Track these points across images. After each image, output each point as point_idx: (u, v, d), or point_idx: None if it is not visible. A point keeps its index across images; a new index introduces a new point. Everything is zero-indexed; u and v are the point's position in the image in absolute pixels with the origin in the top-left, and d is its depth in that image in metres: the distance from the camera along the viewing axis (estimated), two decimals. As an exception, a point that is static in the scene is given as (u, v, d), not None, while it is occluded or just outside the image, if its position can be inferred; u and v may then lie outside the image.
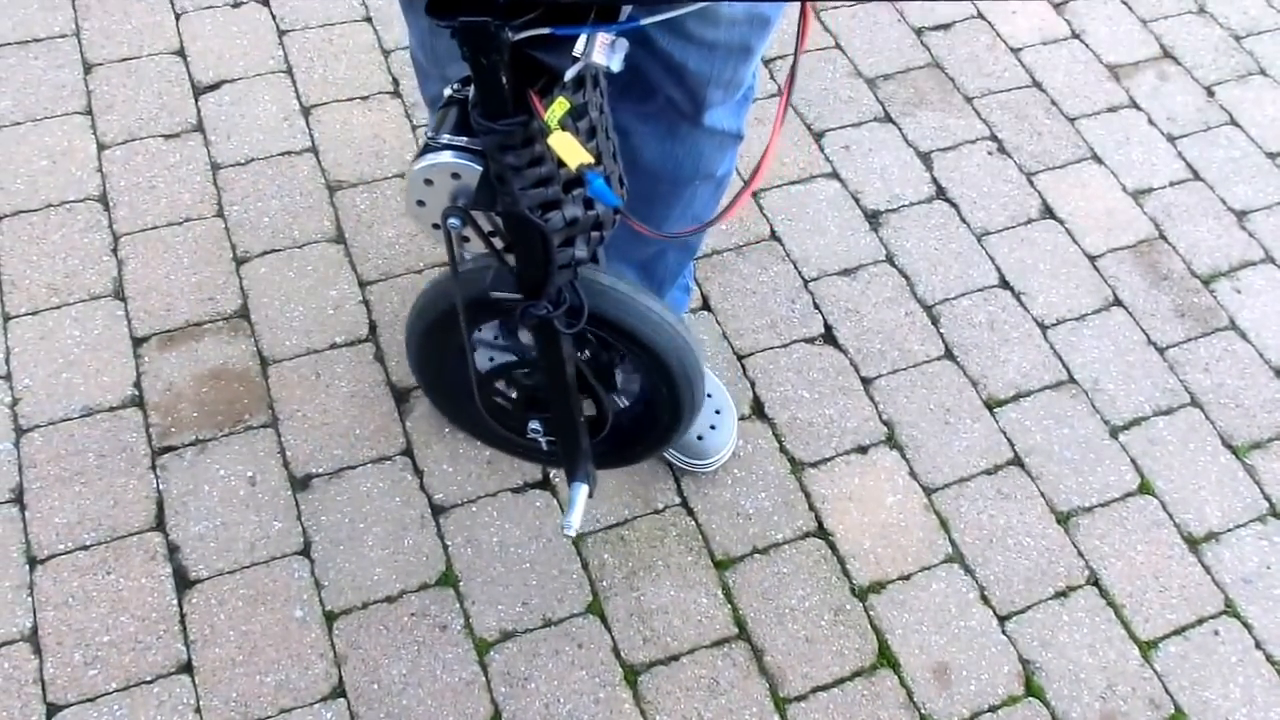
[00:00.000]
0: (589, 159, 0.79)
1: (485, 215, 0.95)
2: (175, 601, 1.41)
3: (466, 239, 0.98)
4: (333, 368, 1.61)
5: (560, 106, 0.81)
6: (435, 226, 0.97)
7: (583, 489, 1.15)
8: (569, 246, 0.95)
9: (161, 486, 1.49)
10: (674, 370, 1.11)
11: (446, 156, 0.90)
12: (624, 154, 1.21)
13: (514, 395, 1.24)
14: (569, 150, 0.79)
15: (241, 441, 1.54)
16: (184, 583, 1.42)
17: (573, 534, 1.12)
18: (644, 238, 1.32)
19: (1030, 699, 1.41)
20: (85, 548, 1.44)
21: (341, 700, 1.35)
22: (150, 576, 1.43)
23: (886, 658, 1.43)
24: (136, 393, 1.57)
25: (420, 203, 0.96)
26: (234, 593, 1.42)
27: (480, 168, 0.89)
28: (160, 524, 1.46)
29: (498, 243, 0.97)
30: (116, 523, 1.46)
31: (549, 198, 0.90)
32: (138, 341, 1.62)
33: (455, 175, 0.91)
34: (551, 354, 1.07)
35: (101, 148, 1.83)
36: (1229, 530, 1.57)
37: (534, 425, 1.21)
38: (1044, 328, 1.74)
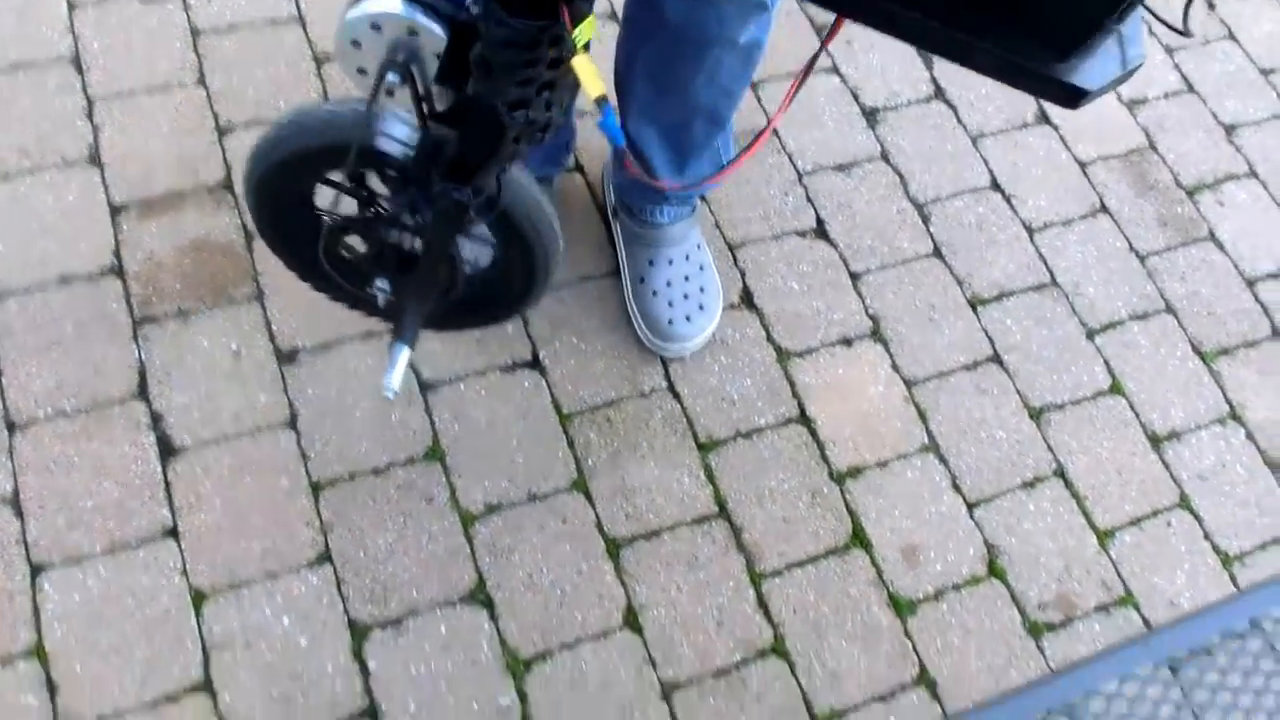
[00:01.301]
0: (604, 90, 0.78)
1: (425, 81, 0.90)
2: (159, 469, 1.42)
3: (390, 93, 0.92)
4: (319, 241, 1.60)
5: (589, 27, 0.79)
6: (360, 71, 0.92)
7: (405, 350, 1.09)
8: (516, 143, 0.93)
9: (143, 356, 1.48)
10: (531, 242, 1.10)
11: (408, 10, 0.85)
12: (650, 11, 1.20)
13: (364, 250, 1.19)
14: (590, 77, 0.77)
15: (225, 314, 1.53)
16: (168, 451, 1.43)
17: (391, 395, 1.05)
18: (670, 101, 1.31)
19: (992, 579, 1.47)
20: (66, 414, 1.44)
21: (328, 566, 1.38)
22: (133, 444, 1.43)
23: (859, 538, 1.48)
24: (115, 262, 1.55)
25: (356, 43, 0.90)
26: (219, 462, 1.43)
27: (444, 36, 0.85)
28: (143, 393, 1.46)
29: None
30: (97, 391, 1.46)
31: (523, 97, 0.87)
32: (116, 210, 1.59)
33: (412, 32, 0.86)
34: (442, 231, 1.04)
35: (72, 7, 1.76)
36: (1190, 430, 1.62)
37: (380, 283, 1.15)
38: (1031, 231, 1.76)
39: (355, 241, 1.19)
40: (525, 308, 1.19)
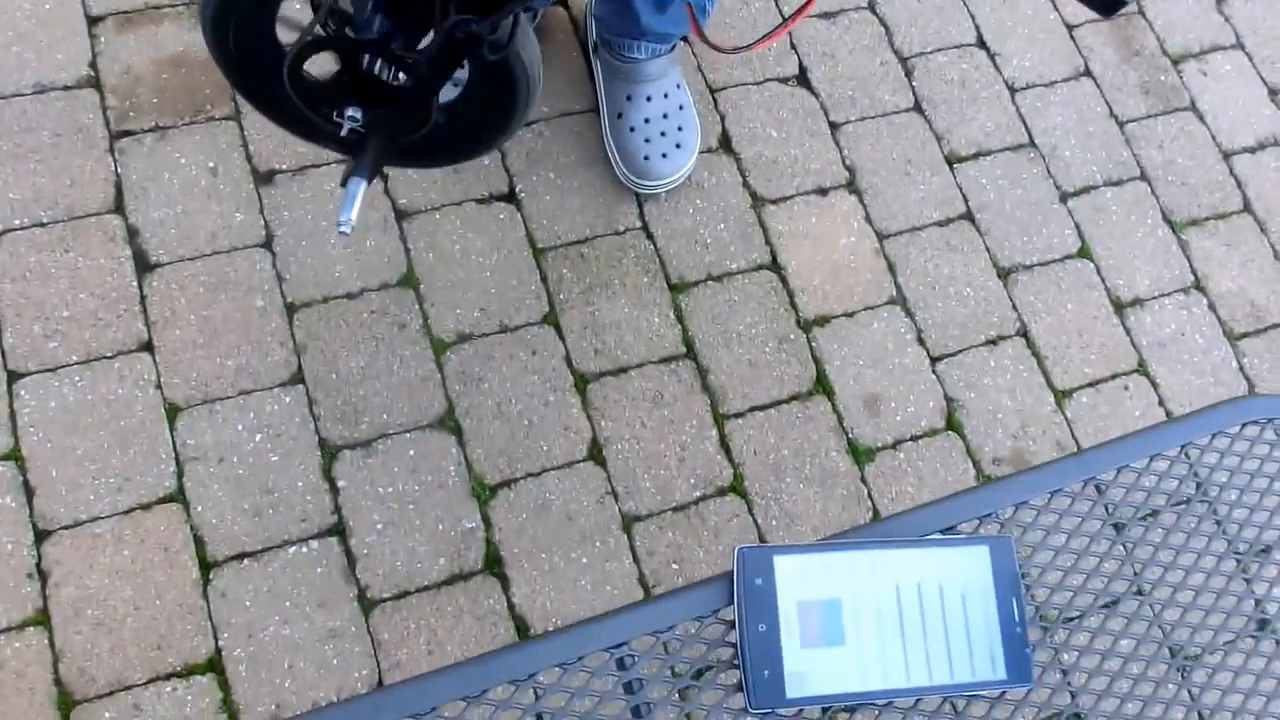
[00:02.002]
0: None
1: None
2: (135, 283, 1.42)
3: None
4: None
5: None
6: None
7: (363, 185, 1.03)
8: None
9: (120, 170, 1.47)
10: (518, 84, 1.04)
11: None
12: None
13: (339, 76, 1.08)
14: None
15: (203, 131, 1.51)
16: (144, 265, 1.43)
17: (349, 230, 0.99)
18: None
19: (949, 432, 1.52)
20: (42, 225, 1.43)
21: (300, 387, 1.40)
22: (109, 257, 1.43)
23: (823, 385, 1.51)
24: (92, 73, 1.52)
25: None
26: (194, 279, 1.44)
27: None
28: (119, 207, 1.46)
29: None
30: (74, 203, 1.45)
31: None
32: (93, 20, 1.55)
33: None
34: (442, 65, 0.98)
35: None
36: (1154, 298, 1.65)
37: (351, 113, 1.06)
38: (1013, 90, 1.75)
39: (327, 67, 1.06)
40: (492, 149, 1.13)
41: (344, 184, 1.01)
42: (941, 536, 0.69)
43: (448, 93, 1.10)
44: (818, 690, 0.64)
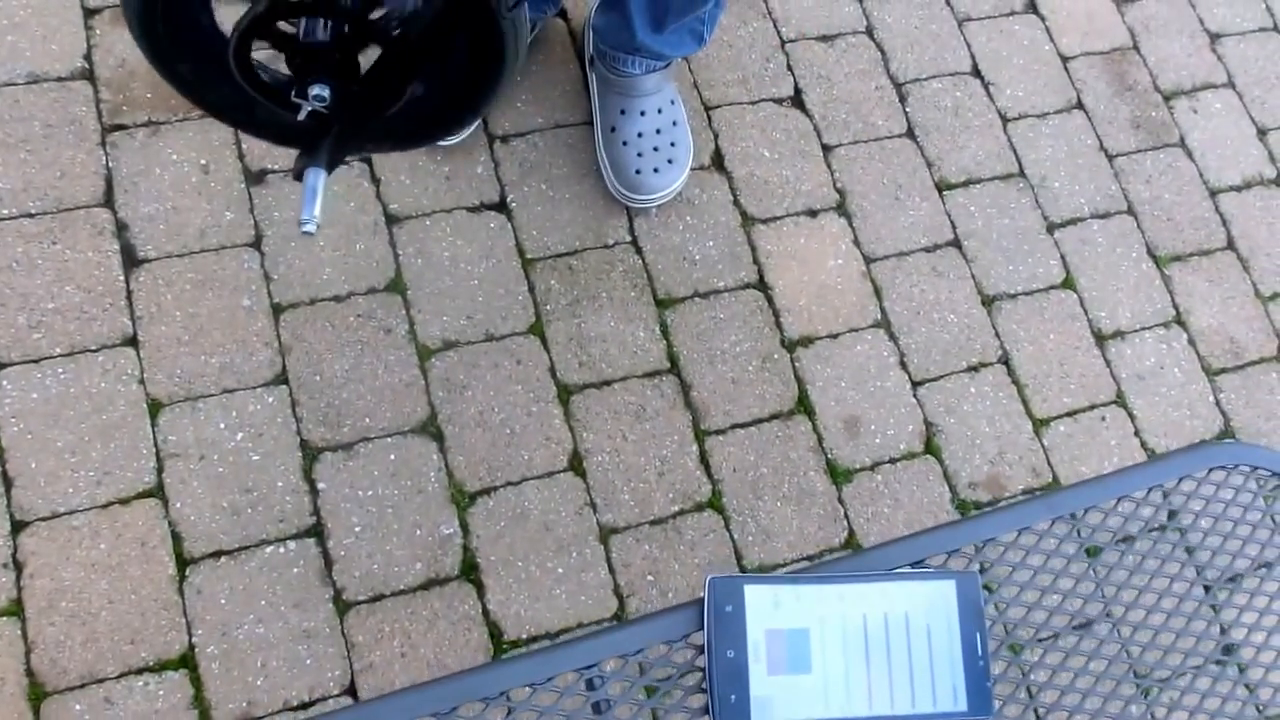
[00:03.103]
0: None
1: None
2: (122, 277, 1.42)
3: None
4: (294, 64, 1.57)
5: None
6: None
7: (323, 175, 0.88)
8: None
9: (111, 164, 1.48)
10: (506, 58, 0.91)
11: None
12: None
13: (302, 48, 0.92)
14: None
15: (196, 129, 1.52)
16: (131, 261, 1.43)
17: (314, 228, 0.86)
18: None
19: (928, 456, 1.53)
20: (30, 215, 1.43)
21: (284, 387, 1.41)
22: (97, 251, 1.43)
23: (804, 406, 1.52)
24: (87, 66, 1.52)
25: None
26: (182, 275, 1.44)
27: None
28: (109, 201, 1.46)
29: None
30: (63, 195, 1.45)
31: None
32: (90, 12, 1.55)
33: None
34: (440, 21, 0.86)
35: None
36: (1135, 331, 1.67)
37: (317, 92, 0.91)
38: (1005, 120, 1.77)
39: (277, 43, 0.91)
40: (460, 130, 1.01)
41: (298, 177, 0.88)
42: (910, 570, 0.70)
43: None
44: (782, 715, 0.64)
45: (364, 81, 0.91)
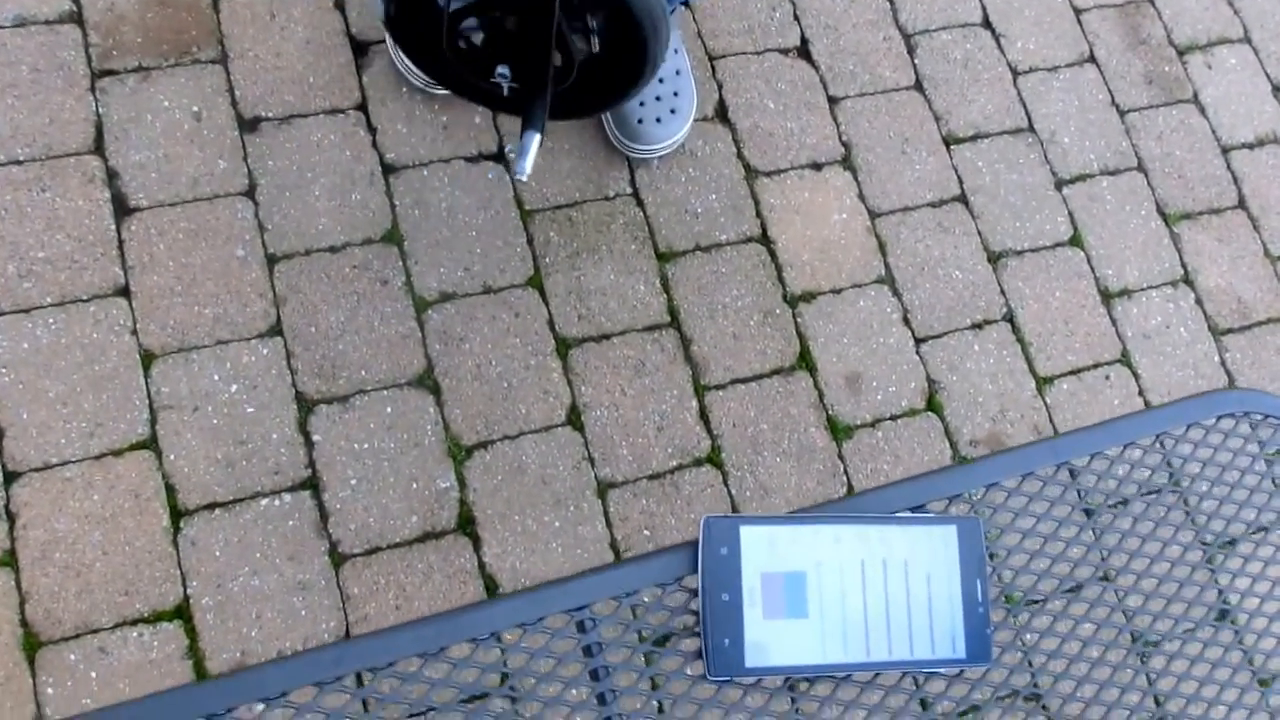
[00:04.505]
0: None
1: None
2: (113, 226, 1.40)
3: None
4: (289, 10, 1.54)
5: None
6: None
7: (536, 136, 1.14)
8: None
9: (101, 110, 1.45)
10: (643, 21, 1.10)
11: None
12: None
13: (484, 36, 1.21)
14: None
15: (188, 74, 1.49)
16: (123, 209, 1.41)
17: (525, 178, 1.13)
18: None
19: (929, 413, 1.51)
20: (19, 162, 1.41)
21: (279, 339, 1.39)
22: (88, 199, 1.41)
23: (806, 361, 1.50)
24: (75, 8, 1.49)
25: None
26: (174, 225, 1.42)
27: None
28: (99, 148, 1.43)
29: None
30: (53, 141, 1.43)
31: None
32: (79, -45, 1.52)
33: None
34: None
35: None
36: (1142, 289, 1.65)
37: (501, 70, 1.19)
38: (1016, 73, 1.74)
39: (475, 29, 1.19)
40: (635, 91, 1.22)
41: (521, 138, 1.15)
42: (910, 515, 0.68)
43: (582, 46, 1.16)
44: (777, 661, 0.63)
45: (533, 62, 1.13)
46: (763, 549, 0.65)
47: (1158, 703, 0.74)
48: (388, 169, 1.49)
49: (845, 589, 0.65)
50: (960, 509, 0.70)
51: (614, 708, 0.59)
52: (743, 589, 0.64)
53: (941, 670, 0.67)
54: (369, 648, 0.60)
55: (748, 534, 0.65)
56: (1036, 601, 0.71)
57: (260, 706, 0.56)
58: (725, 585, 0.63)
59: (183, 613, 1.27)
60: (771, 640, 0.63)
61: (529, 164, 1.13)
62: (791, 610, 0.64)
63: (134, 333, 1.36)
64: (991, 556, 0.70)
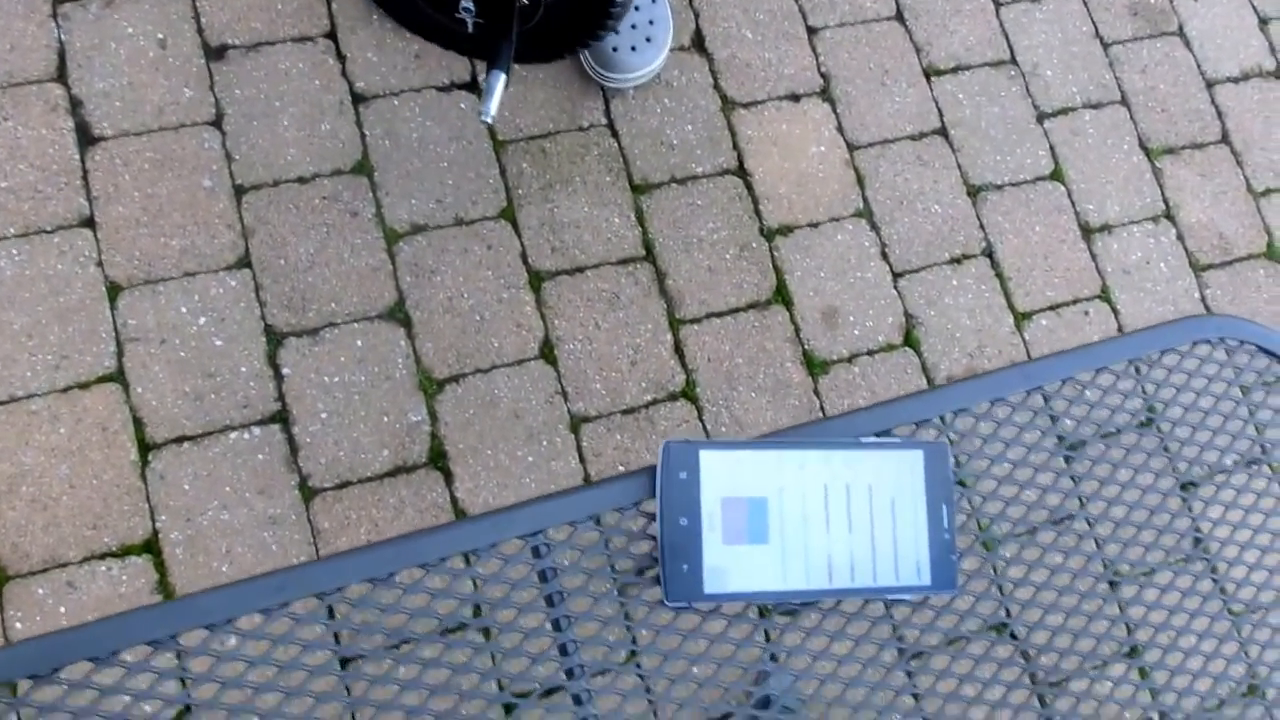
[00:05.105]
0: None
1: None
2: (77, 156, 1.37)
3: None
4: (253, -68, 1.50)
5: None
6: None
7: (501, 76, 1.12)
8: None
9: (64, 37, 1.41)
10: None
11: None
12: None
13: None
14: None
15: (152, 1, 1.44)
16: (87, 138, 1.38)
17: (490, 120, 1.11)
18: None
19: (906, 348, 1.50)
20: (-20, 90, 1.37)
21: (247, 271, 1.37)
22: (51, 128, 1.37)
23: (782, 296, 1.49)
24: (34, -69, 1.44)
25: None
26: (139, 154, 1.38)
27: None
28: (62, 76, 1.39)
29: None
30: (14, 69, 1.39)
31: None
32: (35, -127, 1.47)
33: None
34: None
35: None
36: (1122, 225, 1.63)
37: (465, 3, 1.16)
38: (998, 4, 1.70)
39: None
40: (604, 32, 1.19)
41: (486, 78, 1.15)
42: (876, 439, 0.67)
43: None
44: (737, 587, 0.62)
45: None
46: (723, 474, 0.64)
47: (1129, 630, 0.74)
48: (358, 98, 1.45)
49: (808, 515, 0.64)
50: (929, 435, 0.69)
51: (569, 634, 0.58)
52: (702, 514, 0.63)
53: (906, 597, 0.67)
54: (314, 573, 0.59)
55: (708, 458, 0.64)
56: (1006, 528, 0.71)
57: (233, 640, 0.55)
58: (684, 510, 0.62)
59: (151, 547, 1.26)
60: (731, 566, 0.62)
61: (494, 105, 1.11)
62: (752, 536, 0.63)
63: (99, 264, 1.34)
64: (960, 483, 0.69)
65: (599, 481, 0.62)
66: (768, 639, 0.66)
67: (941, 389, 0.69)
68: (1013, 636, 0.73)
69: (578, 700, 0.59)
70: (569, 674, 0.59)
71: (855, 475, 0.66)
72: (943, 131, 1.61)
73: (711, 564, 0.62)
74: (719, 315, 1.46)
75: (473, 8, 1.15)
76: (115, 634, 0.56)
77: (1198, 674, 0.74)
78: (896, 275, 1.53)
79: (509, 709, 0.62)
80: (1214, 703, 0.73)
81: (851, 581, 0.64)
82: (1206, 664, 0.74)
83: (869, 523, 0.66)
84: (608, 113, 1.51)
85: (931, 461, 0.68)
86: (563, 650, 0.58)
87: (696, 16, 1.59)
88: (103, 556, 1.25)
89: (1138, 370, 0.74)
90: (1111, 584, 0.73)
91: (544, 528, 0.59)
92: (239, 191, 1.39)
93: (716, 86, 1.56)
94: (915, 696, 0.69)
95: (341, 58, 1.46)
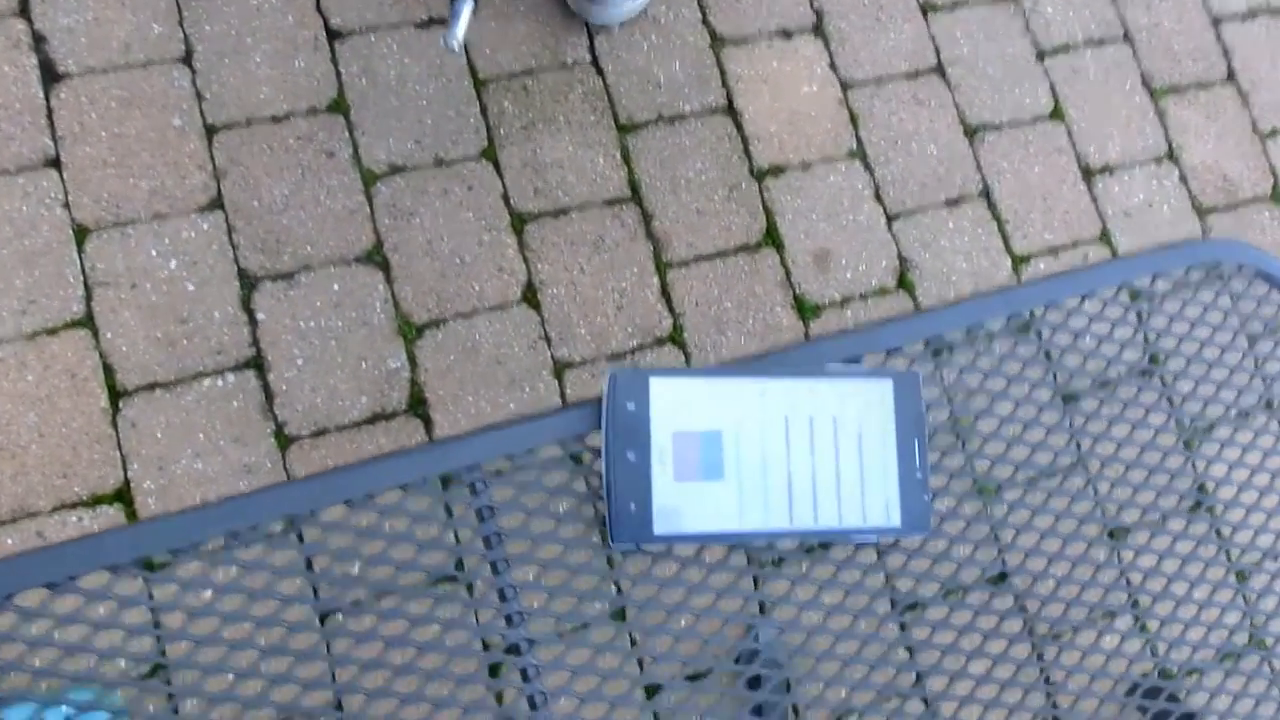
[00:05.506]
0: None
1: None
2: (42, 94, 1.33)
3: None
4: None
5: None
6: None
7: (469, 2, 1.07)
8: None
9: (28, -29, 1.36)
10: None
11: None
12: None
13: None
14: None
15: (118, -68, 1.40)
16: (51, 76, 1.33)
17: (457, 48, 1.06)
18: None
19: (900, 292, 1.46)
20: (-57, 27, 1.33)
21: (219, 213, 1.33)
22: (13, 65, 1.33)
23: (772, 238, 1.44)
24: None
25: None
26: (106, 92, 1.34)
27: None
28: (24, 10, 1.35)
29: None
30: (-23, 4, 1.34)
31: None
32: None
33: None
34: None
35: None
36: (1124, 166, 1.58)
37: None
38: (997, -65, 1.64)
39: None
40: None
41: (452, 2, 1.09)
42: (842, 366, 0.63)
43: None
44: (690, 528, 0.59)
45: None
46: (675, 405, 0.60)
47: (1120, 558, 0.71)
48: (333, 35, 1.40)
49: (767, 449, 0.61)
50: (899, 364, 0.66)
51: (506, 578, 0.55)
52: (652, 449, 0.59)
53: (873, 539, 0.63)
54: (231, 509, 0.55)
55: (658, 387, 0.60)
56: (985, 459, 0.67)
57: (209, 594, 0.52)
58: (632, 444, 0.59)
59: (123, 496, 1.23)
60: (683, 505, 0.59)
61: (461, 31, 1.07)
62: (706, 472, 0.59)
63: (66, 206, 1.30)
64: (950, 400, 0.65)
65: (540, 413, 0.58)
66: (755, 586, 0.63)
67: (917, 315, 0.65)
68: (1011, 584, 0.70)
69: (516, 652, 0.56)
70: (508, 620, 0.55)
71: (819, 406, 0.62)
72: (939, 69, 1.56)
73: (662, 503, 0.58)
74: (707, 258, 1.42)
75: None
76: (73, 559, 0.53)
77: (1189, 623, 0.71)
78: (891, 217, 1.48)
79: (493, 670, 0.59)
80: (1212, 653, 0.70)
81: (814, 522, 0.61)
82: (1199, 612, 0.71)
83: (834, 458, 0.62)
84: (592, 49, 1.46)
85: (902, 392, 0.64)
86: (501, 595, 0.55)
87: (684, -51, 1.53)
88: (73, 506, 1.22)
89: (1133, 297, 0.69)
90: (1111, 533, 0.70)
91: (480, 461, 0.56)
92: (210, 131, 1.35)
93: (705, 22, 1.51)
94: (909, 650, 0.66)
95: (317, -7, 1.41)
